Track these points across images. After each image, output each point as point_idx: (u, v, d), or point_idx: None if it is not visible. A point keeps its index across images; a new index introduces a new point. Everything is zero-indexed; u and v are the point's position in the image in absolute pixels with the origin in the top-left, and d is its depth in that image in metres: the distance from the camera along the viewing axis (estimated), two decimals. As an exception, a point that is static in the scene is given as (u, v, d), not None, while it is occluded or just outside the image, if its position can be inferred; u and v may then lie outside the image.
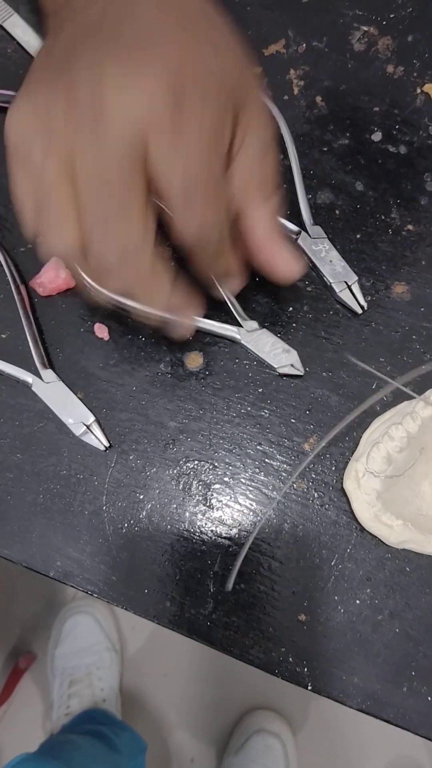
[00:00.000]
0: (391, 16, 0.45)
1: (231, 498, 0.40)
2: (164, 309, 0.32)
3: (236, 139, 0.30)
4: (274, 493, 0.40)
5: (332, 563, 0.39)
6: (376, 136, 0.44)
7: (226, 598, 0.39)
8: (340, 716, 1.16)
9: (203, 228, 0.30)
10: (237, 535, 0.39)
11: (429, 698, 0.37)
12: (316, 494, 0.40)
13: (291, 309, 0.42)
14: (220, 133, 0.28)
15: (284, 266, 0.34)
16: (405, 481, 0.39)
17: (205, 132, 0.28)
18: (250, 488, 0.40)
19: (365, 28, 0.45)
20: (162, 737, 1.15)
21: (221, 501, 0.40)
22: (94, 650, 1.05)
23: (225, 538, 0.39)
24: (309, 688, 0.38)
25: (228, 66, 0.29)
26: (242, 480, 0.40)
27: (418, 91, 0.44)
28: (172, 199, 0.28)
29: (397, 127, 0.44)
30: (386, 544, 0.38)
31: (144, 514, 0.40)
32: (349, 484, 0.38)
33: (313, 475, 0.40)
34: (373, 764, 1.16)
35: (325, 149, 0.44)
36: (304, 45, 0.45)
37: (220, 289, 0.39)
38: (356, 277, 0.41)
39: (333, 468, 0.40)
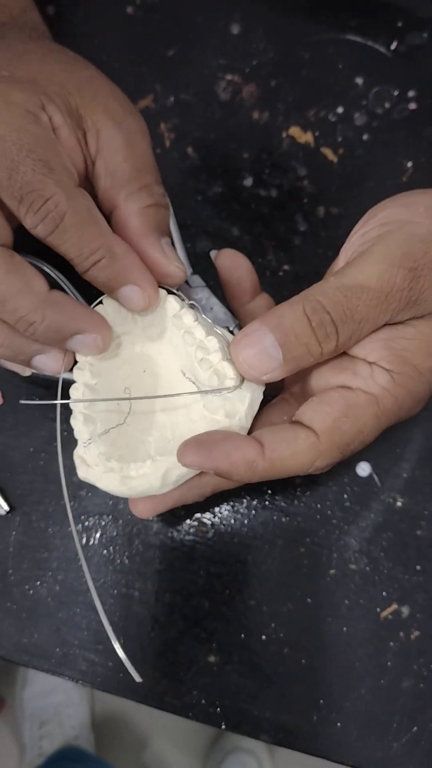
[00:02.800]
0: (254, 62, 0.47)
1: (134, 548, 0.41)
2: (42, 328, 0.30)
3: (89, 133, 0.31)
4: (175, 539, 0.41)
5: (234, 602, 0.40)
6: (248, 182, 0.45)
7: (137, 650, 0.40)
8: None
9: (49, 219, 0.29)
10: (142, 585, 0.40)
11: (338, 724, 0.39)
12: (216, 537, 0.41)
13: (178, 357, 0.43)
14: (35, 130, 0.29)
15: (161, 265, 0.32)
16: (132, 425, 0.34)
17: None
18: (151, 536, 0.41)
19: (230, 77, 0.47)
20: (141, 764, 1.15)
21: (125, 552, 0.41)
22: (60, 689, 1.05)
23: (132, 588, 0.40)
24: (223, 727, 0.39)
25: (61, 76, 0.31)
26: (142, 530, 0.41)
27: (284, 135, 0.46)
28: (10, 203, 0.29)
29: (267, 171, 0.45)
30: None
31: (50, 573, 0.41)
32: (82, 473, 0.33)
33: (210, 516, 0.41)
34: None
35: (200, 198, 0.45)
36: (173, 98, 0.46)
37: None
38: (237, 321, 0.42)
39: (231, 507, 0.41)
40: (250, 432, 0.32)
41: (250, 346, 0.29)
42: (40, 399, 0.42)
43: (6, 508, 0.41)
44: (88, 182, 0.33)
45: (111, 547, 0.41)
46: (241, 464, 0.29)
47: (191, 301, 0.34)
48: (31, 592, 0.41)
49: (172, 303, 0.33)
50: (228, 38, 0.47)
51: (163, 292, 0.33)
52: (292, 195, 0.45)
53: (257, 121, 0.46)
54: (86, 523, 0.41)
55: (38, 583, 0.41)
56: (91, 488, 0.41)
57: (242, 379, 0.31)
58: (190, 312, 0.33)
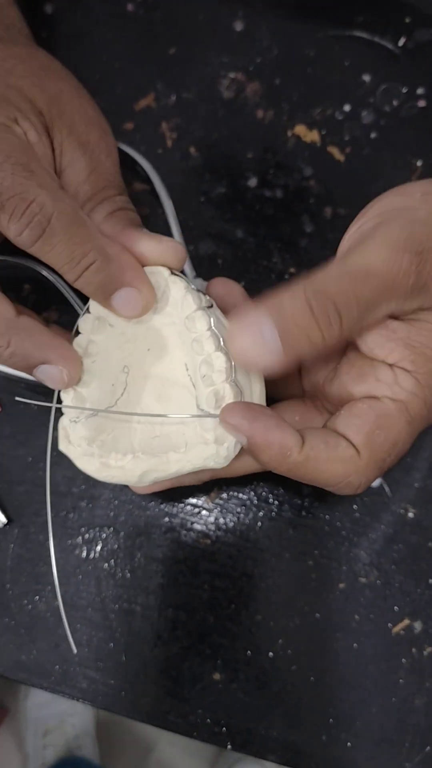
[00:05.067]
0: (258, 60, 0.46)
1: (135, 562, 0.39)
2: (6, 354, 0.30)
3: (56, 151, 0.31)
4: (179, 553, 0.39)
5: (240, 618, 0.39)
6: (252, 182, 0.44)
7: (139, 667, 0.38)
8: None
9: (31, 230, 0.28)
10: (145, 600, 0.39)
11: (348, 744, 0.37)
12: (221, 550, 0.39)
13: (181, 363, 0.42)
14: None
15: (156, 248, 0.31)
16: (122, 405, 0.34)
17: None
18: (154, 549, 0.40)
19: (232, 75, 0.45)
20: (147, 774, 1.14)
21: (127, 565, 0.39)
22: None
23: (134, 603, 0.39)
24: (229, 747, 0.38)
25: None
26: (144, 543, 0.40)
27: (289, 134, 0.44)
28: None
29: (271, 171, 0.44)
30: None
31: (49, 587, 0.39)
32: (63, 446, 0.32)
33: (214, 528, 0.40)
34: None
35: (203, 199, 0.44)
36: (174, 97, 0.45)
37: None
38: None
39: (236, 519, 0.40)
40: None
41: (246, 333, 0.26)
42: (37, 406, 0.41)
43: (3, 520, 0.40)
44: None
45: (112, 561, 0.40)
46: (276, 447, 0.27)
47: (209, 298, 0.31)
48: (30, 607, 0.39)
49: (188, 301, 0.31)
50: (231, 36, 0.46)
51: (172, 277, 0.32)
52: (298, 195, 0.44)
53: (261, 120, 0.45)
54: (86, 536, 0.40)
55: (37, 597, 0.39)
56: (92, 500, 0.40)
57: None
58: (205, 316, 0.30)
